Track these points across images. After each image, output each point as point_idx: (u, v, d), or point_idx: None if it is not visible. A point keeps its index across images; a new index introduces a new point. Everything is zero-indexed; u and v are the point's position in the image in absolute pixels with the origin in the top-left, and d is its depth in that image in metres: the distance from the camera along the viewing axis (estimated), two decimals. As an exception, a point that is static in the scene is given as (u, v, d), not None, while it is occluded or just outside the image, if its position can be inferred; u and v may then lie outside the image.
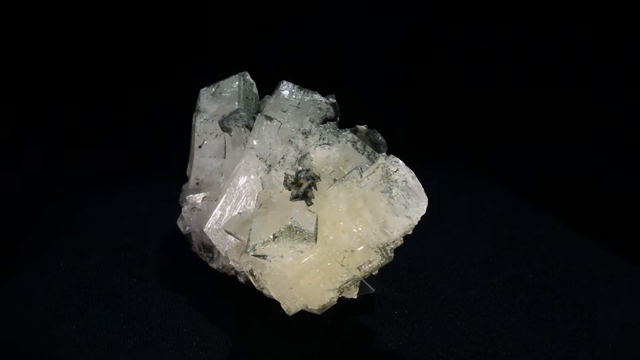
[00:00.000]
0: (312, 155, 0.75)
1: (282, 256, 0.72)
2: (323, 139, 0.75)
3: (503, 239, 0.93)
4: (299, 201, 0.73)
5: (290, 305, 0.75)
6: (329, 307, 0.75)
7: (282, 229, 0.71)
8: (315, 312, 0.75)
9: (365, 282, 0.81)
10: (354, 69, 1.09)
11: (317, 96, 0.79)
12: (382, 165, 0.72)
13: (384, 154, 0.74)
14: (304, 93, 0.79)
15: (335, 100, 0.79)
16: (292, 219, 0.71)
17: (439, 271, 0.87)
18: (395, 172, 0.71)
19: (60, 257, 0.86)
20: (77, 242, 0.88)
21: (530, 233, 0.95)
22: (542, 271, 0.88)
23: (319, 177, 0.74)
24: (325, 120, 0.79)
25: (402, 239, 0.72)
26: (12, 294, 0.81)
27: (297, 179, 0.73)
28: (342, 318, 0.80)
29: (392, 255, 0.72)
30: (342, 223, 0.72)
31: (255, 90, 0.83)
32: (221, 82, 0.84)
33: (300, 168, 0.74)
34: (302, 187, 0.73)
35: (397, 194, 0.71)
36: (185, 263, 0.86)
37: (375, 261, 0.72)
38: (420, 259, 0.89)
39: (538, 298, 0.84)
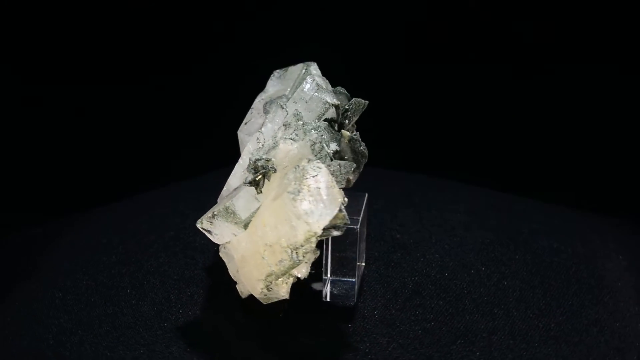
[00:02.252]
0: (279, 148, 0.76)
1: (217, 234, 0.75)
2: (293, 134, 0.76)
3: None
4: (251, 187, 0.75)
5: (242, 288, 0.78)
6: (275, 299, 0.76)
7: (220, 209, 0.74)
8: (260, 300, 0.77)
9: (356, 289, 0.80)
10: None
11: (325, 95, 0.78)
12: (302, 168, 0.71)
13: (311, 158, 0.72)
14: (317, 89, 0.79)
15: (339, 102, 0.78)
16: (231, 201, 0.74)
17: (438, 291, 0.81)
18: (312, 177, 0.70)
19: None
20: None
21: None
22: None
23: (274, 169, 0.75)
24: (325, 120, 0.78)
25: (312, 246, 0.70)
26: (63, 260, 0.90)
27: (254, 166, 0.75)
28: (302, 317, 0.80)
29: (302, 259, 0.71)
30: (263, 217, 0.73)
31: None
32: (290, 67, 0.87)
33: (264, 157, 0.76)
34: (257, 174, 0.75)
35: (303, 198, 0.69)
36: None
37: (285, 261, 0.72)
38: (425, 277, 0.83)
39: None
